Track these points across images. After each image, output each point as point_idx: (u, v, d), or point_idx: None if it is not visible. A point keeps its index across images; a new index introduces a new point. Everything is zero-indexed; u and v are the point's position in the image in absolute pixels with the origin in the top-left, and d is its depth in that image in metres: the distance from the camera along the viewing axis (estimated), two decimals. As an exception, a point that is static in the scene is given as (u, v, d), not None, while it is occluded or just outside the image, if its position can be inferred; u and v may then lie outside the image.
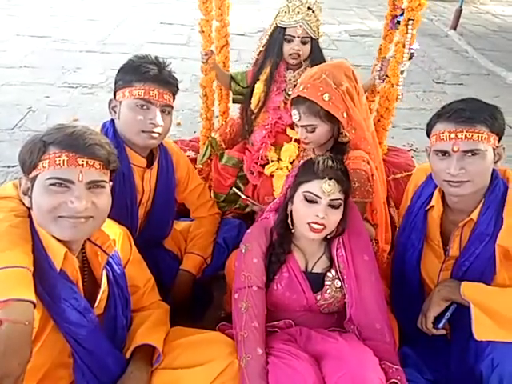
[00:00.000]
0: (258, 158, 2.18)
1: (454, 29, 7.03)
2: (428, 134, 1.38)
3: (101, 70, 4.28)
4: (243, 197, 1.87)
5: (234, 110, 2.48)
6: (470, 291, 1.30)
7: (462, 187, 1.29)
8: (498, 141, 1.30)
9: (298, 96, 1.59)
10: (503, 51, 6.35)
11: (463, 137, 1.25)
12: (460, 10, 6.92)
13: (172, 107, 1.55)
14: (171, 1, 7.46)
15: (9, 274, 0.97)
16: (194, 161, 2.32)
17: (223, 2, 2.20)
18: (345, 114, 1.59)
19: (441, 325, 1.35)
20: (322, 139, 1.66)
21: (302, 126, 1.63)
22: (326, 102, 1.55)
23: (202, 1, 1.99)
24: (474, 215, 1.36)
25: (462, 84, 4.98)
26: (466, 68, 5.56)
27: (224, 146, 2.32)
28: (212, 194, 2.21)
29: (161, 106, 1.49)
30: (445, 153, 1.30)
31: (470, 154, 1.26)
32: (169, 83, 1.51)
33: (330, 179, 1.27)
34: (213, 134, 2.35)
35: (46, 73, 4.20)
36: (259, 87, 2.13)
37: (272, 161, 2.18)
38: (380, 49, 2.43)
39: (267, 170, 2.16)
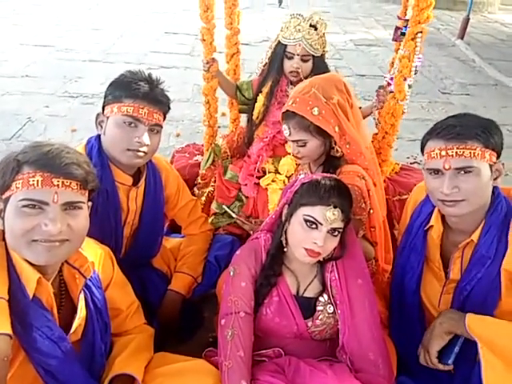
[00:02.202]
0: (254, 170, 2.15)
1: (461, 38, 6.95)
2: (422, 152, 1.32)
3: (102, 80, 4.26)
4: (233, 215, 1.82)
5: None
6: (477, 326, 1.20)
7: (458, 207, 1.23)
8: (497, 157, 1.23)
9: (288, 111, 1.54)
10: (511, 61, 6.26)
11: (454, 154, 1.19)
12: (467, 19, 6.85)
13: (161, 126, 1.50)
14: (176, 10, 7.48)
15: None
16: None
17: (233, 10, 2.20)
18: (337, 129, 1.53)
19: (450, 360, 1.24)
20: (314, 154, 1.60)
21: (293, 141, 1.58)
22: (315, 116, 1.49)
23: (203, 9, 1.99)
24: (475, 236, 1.29)
25: (468, 94, 4.90)
26: (473, 78, 5.48)
27: (229, 154, 2.29)
28: (214, 206, 2.17)
29: (149, 125, 1.44)
30: (437, 171, 1.24)
31: (462, 171, 1.19)
32: (160, 102, 1.47)
33: (334, 207, 1.21)
34: (220, 141, 2.32)
35: (47, 82, 4.20)
36: (261, 100, 2.11)
37: (269, 172, 2.13)
38: (392, 62, 2.36)
39: (263, 182, 2.13)
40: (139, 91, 1.41)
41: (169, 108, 1.54)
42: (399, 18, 2.24)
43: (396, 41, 2.28)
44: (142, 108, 1.41)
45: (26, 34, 5.60)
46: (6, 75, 4.30)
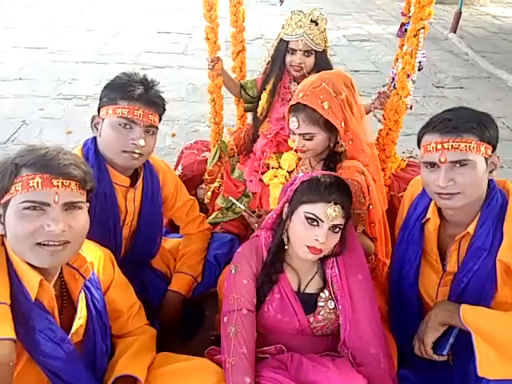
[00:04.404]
0: (259, 166, 2.16)
1: (454, 31, 6.97)
2: (418, 146, 1.33)
3: (96, 81, 4.25)
4: (241, 207, 1.83)
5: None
6: (471, 317, 1.21)
7: (453, 199, 1.24)
8: (493, 150, 1.24)
9: (298, 103, 1.55)
10: (504, 53, 6.28)
11: (450, 147, 1.20)
12: (460, 13, 6.86)
13: (157, 128, 1.51)
14: (169, 9, 7.45)
15: None
16: None
17: (238, 8, 2.23)
18: (343, 124, 1.56)
19: (445, 351, 1.26)
20: (319, 148, 1.62)
21: (299, 134, 1.59)
22: (325, 110, 1.52)
23: (207, 9, 1.99)
24: (471, 229, 1.30)
25: (462, 88, 4.92)
26: (467, 71, 5.50)
27: (236, 151, 2.32)
28: (219, 201, 2.17)
29: (145, 127, 1.44)
30: (433, 164, 1.25)
31: (458, 164, 1.21)
32: (155, 103, 1.47)
33: (335, 204, 1.21)
34: (228, 137, 2.35)
35: (40, 85, 4.18)
36: (264, 97, 2.13)
37: (272, 168, 2.15)
38: (396, 58, 2.37)
39: (265, 178, 2.14)
40: (134, 93, 1.41)
41: (164, 109, 1.54)
42: (403, 15, 2.25)
43: (400, 37, 2.29)
44: (137, 109, 1.41)
45: (18, 37, 5.57)
46: (-1, 78, 4.29)
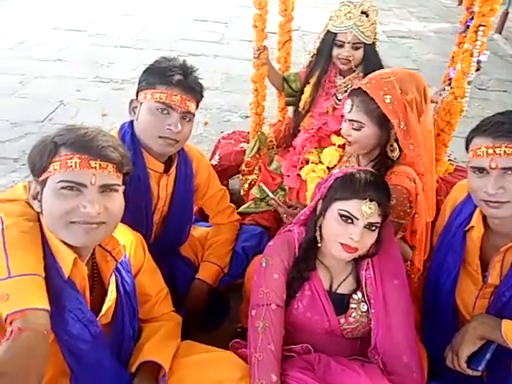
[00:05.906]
0: (298, 161, 2.12)
1: (500, 32, 6.70)
2: (467, 149, 1.26)
3: (133, 66, 4.29)
4: (270, 195, 1.78)
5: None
6: None
7: (502, 208, 1.17)
8: None
9: (359, 88, 1.49)
10: (552, 58, 5.99)
11: (502, 152, 1.13)
12: (506, 13, 6.58)
13: (193, 115, 1.49)
14: (205, -3, 7.44)
15: (24, 283, 0.94)
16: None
17: None
18: (402, 125, 1.46)
19: (481, 367, 1.19)
20: (365, 143, 1.53)
21: (349, 121, 1.52)
22: (386, 103, 1.44)
23: None
24: None
25: (506, 91, 4.71)
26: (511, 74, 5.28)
27: (275, 143, 2.29)
28: (254, 191, 2.14)
29: (182, 113, 1.42)
30: (482, 170, 1.18)
31: (510, 171, 1.14)
32: (193, 90, 1.45)
33: (370, 201, 1.16)
34: (267, 129, 2.32)
35: (79, 67, 4.24)
36: (307, 91, 2.09)
37: (312, 162, 2.10)
38: (453, 57, 2.28)
39: (303, 173, 2.10)
40: (173, 78, 1.40)
41: (202, 96, 1.51)
42: (467, 9, 2.16)
43: (462, 34, 2.19)
44: (175, 95, 1.39)
45: (58, 19, 5.66)
46: (39, 59, 4.36)
